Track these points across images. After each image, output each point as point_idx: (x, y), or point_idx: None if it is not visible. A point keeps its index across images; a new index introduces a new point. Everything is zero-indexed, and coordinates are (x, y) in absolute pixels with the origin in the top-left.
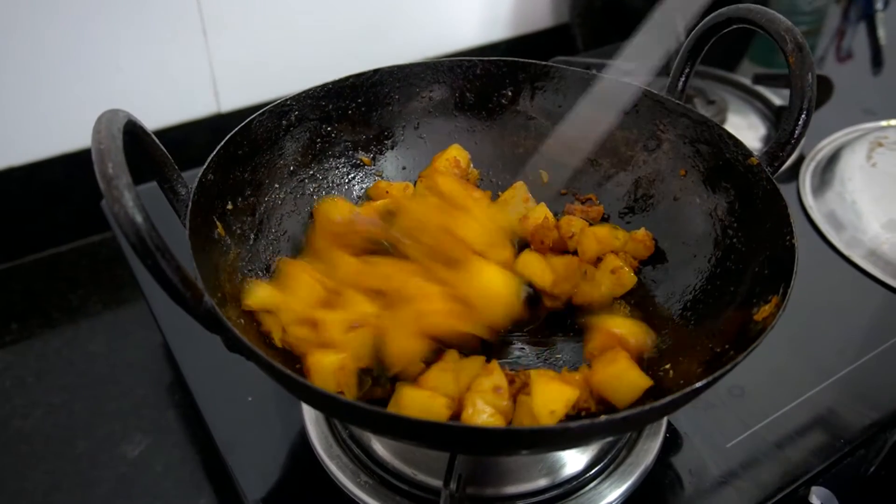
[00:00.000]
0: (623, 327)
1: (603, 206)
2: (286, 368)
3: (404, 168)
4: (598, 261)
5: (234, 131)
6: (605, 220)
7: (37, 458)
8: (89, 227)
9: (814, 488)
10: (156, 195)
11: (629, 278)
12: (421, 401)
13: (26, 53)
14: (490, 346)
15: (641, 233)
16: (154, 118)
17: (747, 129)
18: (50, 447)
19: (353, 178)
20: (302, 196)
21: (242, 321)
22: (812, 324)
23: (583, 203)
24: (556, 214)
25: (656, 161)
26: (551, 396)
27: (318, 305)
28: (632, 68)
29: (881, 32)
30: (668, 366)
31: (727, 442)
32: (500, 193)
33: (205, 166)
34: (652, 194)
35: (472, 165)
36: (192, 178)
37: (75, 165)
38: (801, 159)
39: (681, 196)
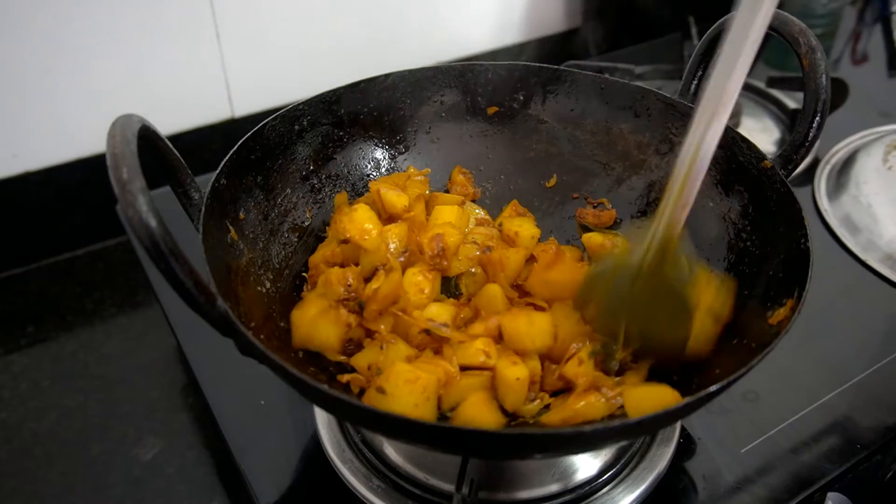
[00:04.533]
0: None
1: (615, 210)
2: (299, 372)
3: None
4: None
5: (246, 136)
6: (617, 223)
7: (51, 460)
8: (105, 231)
9: (829, 494)
10: (169, 199)
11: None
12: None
13: (41, 59)
14: None
15: None
16: (169, 123)
17: (761, 133)
18: (64, 450)
19: (365, 182)
20: (314, 200)
21: (254, 325)
22: (828, 328)
23: (595, 207)
24: (567, 219)
25: (669, 164)
26: None
27: None
28: (644, 71)
29: None
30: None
31: (741, 447)
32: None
33: (217, 171)
34: None
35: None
36: (205, 182)
37: (91, 170)
38: (816, 162)
39: (694, 199)
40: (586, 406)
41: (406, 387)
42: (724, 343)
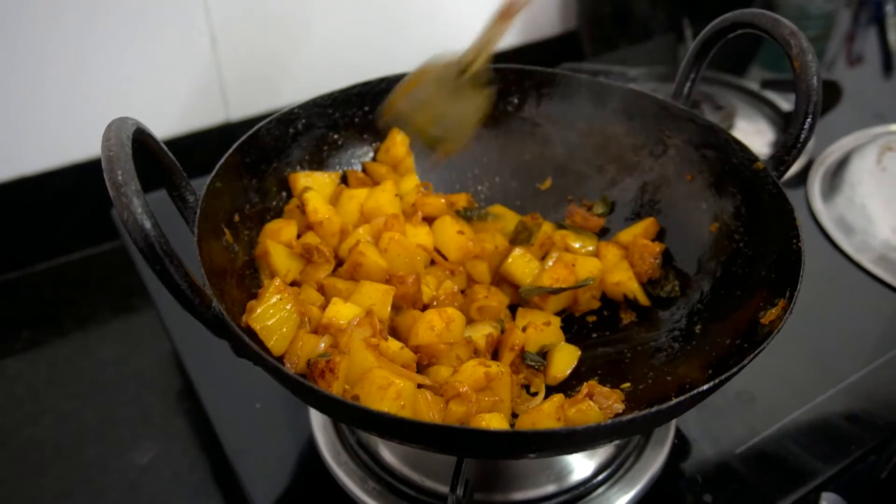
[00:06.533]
0: None
1: (604, 220)
2: (293, 373)
3: None
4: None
5: (241, 139)
6: (605, 232)
7: (47, 464)
8: (99, 235)
9: (824, 494)
10: (164, 202)
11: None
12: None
13: (36, 64)
14: None
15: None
16: (164, 127)
17: (755, 135)
18: (60, 454)
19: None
20: None
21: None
22: (822, 329)
23: (588, 209)
24: (561, 221)
25: (662, 166)
26: None
27: None
28: (638, 74)
29: (892, 36)
30: (675, 369)
31: (736, 448)
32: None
33: (213, 174)
34: (658, 199)
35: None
36: (200, 185)
37: (85, 174)
38: (810, 164)
39: (687, 201)
40: (577, 413)
41: (378, 393)
42: (717, 342)
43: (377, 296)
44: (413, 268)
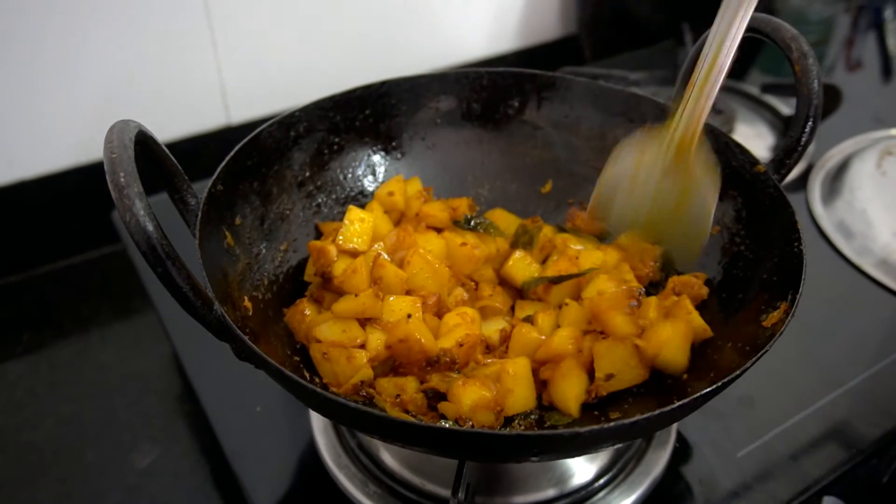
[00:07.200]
0: None
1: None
2: (295, 375)
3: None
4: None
5: (242, 142)
6: (605, 235)
7: (47, 467)
8: (100, 238)
9: (825, 498)
10: (166, 206)
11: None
12: None
13: (37, 66)
14: None
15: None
16: (165, 131)
17: (755, 139)
18: (60, 457)
19: (361, 188)
20: (310, 206)
21: (250, 329)
22: (823, 333)
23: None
24: (563, 224)
25: None
26: None
27: None
28: (639, 78)
29: (891, 41)
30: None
31: (737, 452)
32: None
33: (214, 177)
34: None
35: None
36: (202, 188)
37: (86, 178)
38: (810, 168)
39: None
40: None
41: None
42: (719, 345)
43: (407, 307)
44: (437, 283)
